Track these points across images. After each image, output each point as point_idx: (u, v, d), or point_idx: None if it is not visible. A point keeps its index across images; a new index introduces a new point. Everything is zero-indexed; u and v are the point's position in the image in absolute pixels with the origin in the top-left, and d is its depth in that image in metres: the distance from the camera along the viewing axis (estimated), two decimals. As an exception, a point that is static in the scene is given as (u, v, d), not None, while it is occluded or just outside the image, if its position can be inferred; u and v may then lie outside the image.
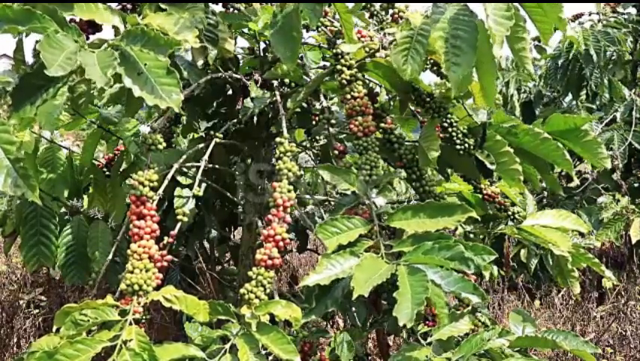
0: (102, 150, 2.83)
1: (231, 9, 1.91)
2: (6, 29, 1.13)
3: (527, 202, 1.97)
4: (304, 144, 2.32)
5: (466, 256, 1.32)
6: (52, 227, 2.06)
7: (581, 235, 3.24)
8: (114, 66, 1.13)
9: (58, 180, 2.22)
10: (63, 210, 2.22)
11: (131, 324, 1.25)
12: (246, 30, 1.95)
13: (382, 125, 1.72)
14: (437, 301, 1.34)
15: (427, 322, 1.51)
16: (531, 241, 1.88)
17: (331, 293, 1.43)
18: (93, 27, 1.43)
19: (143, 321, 1.34)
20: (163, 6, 1.41)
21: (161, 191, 1.51)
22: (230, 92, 2.12)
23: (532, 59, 1.50)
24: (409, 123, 1.91)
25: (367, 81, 1.86)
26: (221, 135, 1.78)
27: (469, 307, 1.48)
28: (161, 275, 1.38)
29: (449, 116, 1.75)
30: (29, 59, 1.49)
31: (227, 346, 1.32)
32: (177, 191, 2.04)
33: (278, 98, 1.74)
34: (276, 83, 1.85)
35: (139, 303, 1.30)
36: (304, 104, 2.02)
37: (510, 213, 1.87)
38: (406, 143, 1.75)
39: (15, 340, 3.11)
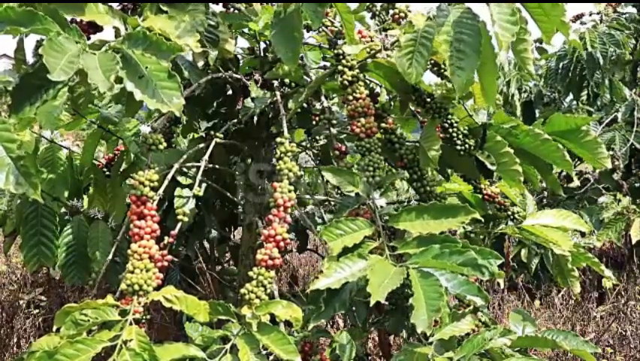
0: (102, 150, 2.83)
1: (232, 9, 1.91)
2: (8, 30, 1.13)
3: (527, 202, 1.97)
4: (304, 144, 2.32)
5: (480, 263, 1.32)
6: (53, 227, 2.05)
7: (582, 234, 3.25)
8: (116, 70, 1.13)
9: (58, 180, 2.22)
10: (63, 210, 2.22)
11: (131, 324, 1.25)
12: (246, 30, 1.95)
13: (383, 125, 1.72)
14: (443, 302, 1.34)
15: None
16: (531, 240, 1.88)
17: (340, 296, 1.43)
18: (94, 27, 1.43)
19: (143, 321, 1.34)
20: (164, 7, 1.40)
21: (161, 191, 1.51)
22: (230, 92, 2.12)
23: (533, 59, 1.50)
24: (410, 124, 1.91)
25: (368, 82, 1.86)
26: (221, 135, 1.78)
27: (470, 307, 1.48)
28: (161, 275, 1.38)
29: (450, 116, 1.75)
30: (30, 58, 1.49)
31: (228, 346, 1.32)
32: (177, 191, 2.04)
33: (278, 98, 1.74)
34: (276, 83, 1.85)
35: (139, 303, 1.30)
36: (304, 105, 2.02)
37: (510, 213, 1.87)
38: (407, 143, 1.75)
39: (15, 340, 3.11)
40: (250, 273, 1.38)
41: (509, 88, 4.95)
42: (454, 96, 1.74)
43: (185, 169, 1.95)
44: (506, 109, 4.90)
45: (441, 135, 1.74)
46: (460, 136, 1.74)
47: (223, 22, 1.70)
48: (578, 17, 4.81)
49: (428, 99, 1.76)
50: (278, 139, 1.56)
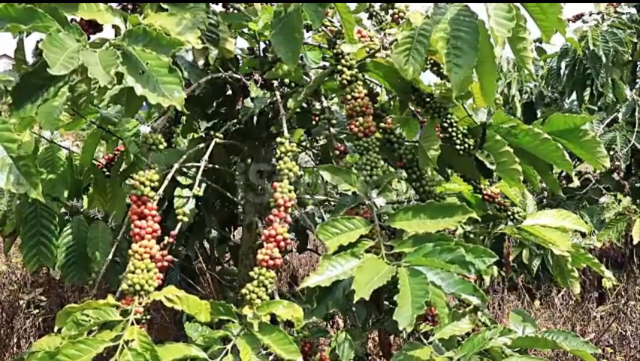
0: (102, 150, 2.83)
1: (231, 9, 1.91)
2: (8, 28, 1.13)
3: (527, 202, 1.97)
4: (304, 144, 2.32)
5: (467, 260, 1.32)
6: (52, 227, 2.05)
7: (582, 235, 3.25)
8: (117, 65, 1.13)
9: (58, 180, 2.22)
10: (63, 210, 2.22)
11: (132, 324, 1.25)
12: (245, 30, 1.95)
13: (382, 125, 1.72)
14: (437, 302, 1.34)
15: (428, 322, 1.51)
16: (531, 240, 1.88)
17: (332, 294, 1.43)
18: (94, 27, 1.43)
19: (143, 321, 1.34)
20: (164, 6, 1.40)
21: (161, 191, 1.51)
22: (230, 92, 2.12)
23: (533, 59, 1.50)
24: (411, 126, 1.91)
25: (367, 81, 1.86)
26: (221, 135, 1.78)
27: (470, 307, 1.48)
28: (162, 275, 1.38)
29: (449, 116, 1.75)
30: (30, 58, 1.49)
31: (229, 346, 1.32)
32: (177, 191, 2.04)
33: (278, 98, 1.74)
34: (276, 83, 1.85)
35: (140, 303, 1.30)
36: (304, 104, 2.02)
37: (510, 213, 1.87)
38: (406, 143, 1.75)
39: (15, 340, 3.11)
40: (251, 273, 1.38)
41: (510, 89, 4.95)
42: (452, 95, 1.74)
43: (185, 169, 1.95)
44: (507, 110, 4.90)
45: (440, 135, 1.74)
46: (460, 136, 1.74)
47: (223, 22, 1.70)
48: (578, 17, 4.81)
49: (427, 99, 1.76)
50: (278, 139, 1.56)
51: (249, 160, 2.07)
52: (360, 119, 1.62)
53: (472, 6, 1.36)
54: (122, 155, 2.26)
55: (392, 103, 2.00)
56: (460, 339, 1.44)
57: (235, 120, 1.90)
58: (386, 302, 1.61)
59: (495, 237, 2.03)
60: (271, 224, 1.43)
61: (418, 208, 1.47)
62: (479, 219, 1.62)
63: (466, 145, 1.74)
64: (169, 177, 1.59)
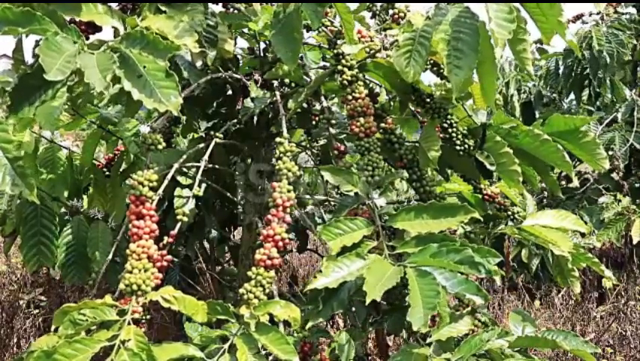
0: (102, 150, 2.83)
1: (231, 9, 1.91)
2: (6, 31, 1.13)
3: (527, 202, 1.97)
4: (304, 144, 2.32)
5: (477, 261, 1.32)
6: (52, 227, 2.06)
7: (582, 235, 3.25)
8: (113, 70, 1.14)
9: (58, 180, 2.22)
10: (63, 210, 2.22)
11: (129, 324, 1.25)
12: (245, 30, 1.95)
13: (383, 125, 1.72)
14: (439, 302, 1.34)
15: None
16: (531, 240, 1.88)
17: (338, 295, 1.43)
18: (92, 28, 1.43)
19: (143, 321, 1.33)
20: (162, 7, 1.40)
21: (160, 191, 1.51)
22: (230, 92, 2.12)
23: (533, 60, 1.50)
24: (410, 125, 1.91)
25: (368, 82, 1.86)
26: (221, 135, 1.78)
27: (469, 308, 1.48)
28: (160, 275, 1.38)
29: (449, 116, 1.75)
30: (29, 59, 1.49)
31: (227, 346, 1.32)
32: (177, 191, 2.04)
33: (278, 98, 1.74)
34: (276, 83, 1.85)
35: (138, 303, 1.30)
36: (304, 105, 2.02)
37: (510, 213, 1.87)
38: (407, 143, 1.75)
39: (15, 340, 3.11)
40: (249, 273, 1.38)
41: (508, 89, 4.95)
42: (452, 96, 1.74)
43: (185, 169, 1.95)
44: (506, 110, 4.90)
45: (440, 135, 1.74)
46: (460, 136, 1.74)
47: (222, 22, 1.70)
48: (578, 17, 4.81)
49: (428, 99, 1.76)
50: (277, 139, 1.56)
51: (249, 160, 2.07)
52: (361, 119, 1.62)
53: (473, 7, 1.36)
54: (122, 155, 2.27)
55: (392, 103, 2.00)
56: (459, 340, 1.44)
57: (235, 120, 1.90)
58: (384, 302, 1.61)
59: (495, 237, 2.03)
60: (269, 224, 1.43)
61: (419, 208, 1.47)
62: (481, 219, 1.62)
63: (466, 146, 1.74)
64: (169, 177, 1.59)
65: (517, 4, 1.35)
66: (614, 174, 4.29)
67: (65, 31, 1.18)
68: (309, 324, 1.40)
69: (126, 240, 1.50)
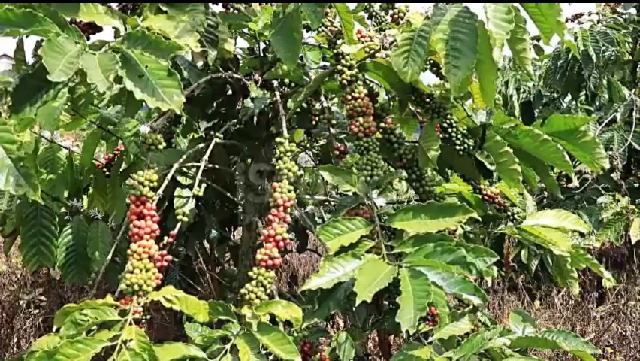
0: (102, 150, 2.83)
1: (231, 9, 1.91)
2: (8, 32, 1.13)
3: (527, 202, 1.97)
4: (304, 144, 2.32)
5: (469, 261, 1.32)
6: (52, 227, 2.05)
7: (581, 235, 3.25)
8: (116, 70, 1.14)
9: (58, 180, 2.22)
10: (63, 210, 2.22)
11: (131, 324, 1.25)
12: (246, 30, 1.95)
13: (382, 125, 1.72)
14: (438, 301, 1.34)
15: (428, 321, 1.51)
16: (531, 241, 1.88)
17: (334, 295, 1.43)
18: (93, 28, 1.43)
19: (144, 321, 1.34)
20: (163, 7, 1.41)
21: (161, 191, 1.51)
22: (230, 92, 2.12)
23: (532, 59, 1.50)
24: (409, 124, 1.91)
25: (367, 81, 1.86)
26: (221, 135, 1.78)
27: (470, 307, 1.48)
28: (161, 275, 1.38)
29: (449, 116, 1.75)
30: (30, 59, 1.49)
31: (228, 346, 1.32)
32: (177, 191, 2.04)
33: (278, 98, 1.75)
34: (276, 83, 1.85)
35: (139, 303, 1.30)
36: (304, 105, 2.03)
37: (510, 213, 1.87)
38: (406, 143, 1.75)
39: (15, 340, 3.11)
40: (250, 273, 1.38)
41: (507, 88, 4.95)
42: (451, 96, 1.74)
43: (185, 169, 1.95)
44: (505, 109, 4.90)
45: (440, 135, 1.74)
46: (460, 136, 1.74)
47: (223, 22, 1.70)
48: (577, 17, 4.81)
49: (427, 99, 1.76)
50: (277, 139, 1.56)
51: (249, 160, 2.07)
52: (361, 119, 1.62)
53: (472, 7, 1.36)
54: (122, 155, 2.27)
55: (391, 103, 2.00)
56: (460, 339, 1.44)
57: (235, 120, 1.90)
58: (385, 302, 1.61)
59: (495, 237, 2.03)
60: (270, 224, 1.43)
61: (418, 208, 1.47)
62: (480, 219, 1.63)
63: (466, 145, 1.74)
64: (169, 177, 1.59)
65: (517, 4, 1.35)
66: (613, 174, 4.29)
67: (66, 32, 1.19)
68: (304, 324, 1.40)
69: (126, 240, 1.50)
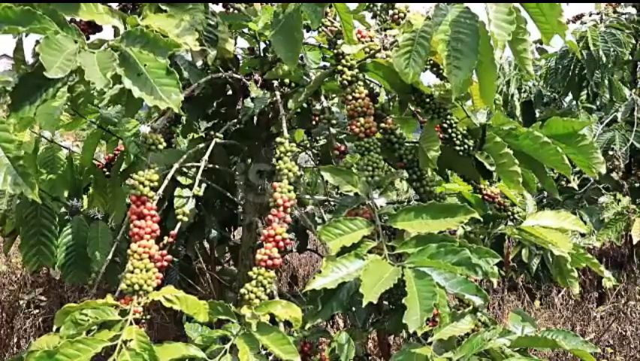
0: (102, 150, 2.83)
1: (231, 9, 1.91)
2: (6, 30, 1.13)
3: (527, 202, 1.97)
4: (304, 143, 2.32)
5: (474, 262, 1.32)
6: (52, 227, 2.05)
7: (582, 235, 3.25)
8: (114, 67, 1.13)
9: (58, 180, 2.22)
10: (63, 210, 2.22)
11: (131, 324, 1.25)
12: (246, 30, 1.95)
13: (383, 125, 1.72)
14: (439, 302, 1.34)
15: (428, 322, 1.51)
16: (531, 241, 1.88)
17: (337, 296, 1.43)
18: (93, 27, 1.43)
19: (144, 321, 1.33)
20: (163, 7, 1.40)
21: (161, 191, 1.51)
22: (230, 92, 2.12)
23: (532, 60, 1.50)
24: (409, 124, 1.91)
25: (368, 82, 1.86)
26: (221, 135, 1.78)
27: (470, 307, 1.48)
28: (161, 275, 1.38)
29: (449, 117, 1.75)
30: (29, 58, 1.49)
31: (228, 346, 1.32)
32: (177, 191, 2.04)
33: (278, 98, 1.74)
34: (276, 83, 1.85)
35: (139, 303, 1.30)
36: (304, 104, 2.02)
37: (510, 213, 1.87)
38: (407, 143, 1.75)
39: (15, 340, 3.11)
40: (250, 273, 1.38)
41: (509, 88, 4.95)
42: (451, 96, 1.74)
43: (185, 169, 1.95)
44: (506, 109, 4.90)
45: (440, 136, 1.74)
46: (460, 137, 1.74)
47: (223, 22, 1.70)
48: (578, 17, 4.81)
49: (427, 99, 1.75)
50: (277, 139, 1.56)
51: (249, 160, 2.07)
52: (361, 119, 1.62)
53: (473, 7, 1.36)
54: (122, 155, 2.27)
55: (392, 103, 2.00)
56: (460, 340, 1.44)
57: (235, 120, 1.90)
58: (386, 302, 1.61)
59: (495, 237, 2.03)
60: (270, 224, 1.43)
61: (419, 209, 1.47)
62: (481, 220, 1.62)
63: (466, 146, 1.74)
64: (169, 177, 1.59)
65: (518, 5, 1.35)
66: (613, 174, 4.29)
67: (66, 31, 1.18)
68: (307, 325, 1.40)
69: (126, 240, 1.50)
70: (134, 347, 1.18)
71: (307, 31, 1.87)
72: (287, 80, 1.88)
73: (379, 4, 1.95)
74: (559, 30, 1.39)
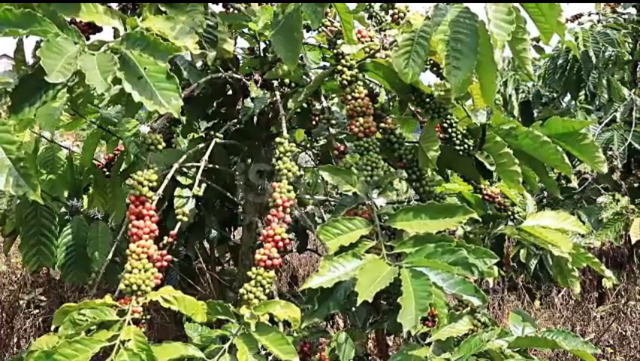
0: (102, 150, 2.83)
1: (231, 9, 1.91)
2: (7, 32, 1.13)
3: (527, 202, 1.97)
4: (304, 144, 2.32)
5: (470, 262, 1.32)
6: (52, 227, 2.05)
7: (582, 235, 3.25)
8: (114, 71, 1.13)
9: (58, 180, 2.22)
10: (63, 210, 2.22)
11: (129, 324, 1.25)
12: (246, 30, 1.95)
13: (382, 125, 1.72)
14: (437, 302, 1.34)
15: (427, 322, 1.51)
16: (530, 241, 1.88)
17: (334, 295, 1.43)
18: (93, 28, 1.43)
19: (143, 321, 1.34)
20: (162, 8, 1.40)
21: (160, 191, 1.51)
22: (230, 92, 2.12)
23: (532, 59, 1.50)
24: (409, 124, 1.91)
25: (367, 81, 1.86)
26: (221, 135, 1.78)
27: (469, 308, 1.48)
28: (160, 275, 1.38)
29: (449, 116, 1.75)
30: (29, 59, 1.49)
31: (227, 346, 1.32)
32: (177, 191, 2.04)
33: (278, 98, 1.75)
34: (276, 83, 1.85)
35: (138, 303, 1.30)
36: (304, 105, 2.03)
37: (510, 213, 1.87)
38: (406, 143, 1.75)
39: (15, 340, 3.11)
40: (249, 273, 1.38)
41: (506, 88, 4.95)
42: (451, 96, 1.74)
43: (185, 169, 1.95)
44: (505, 109, 4.90)
45: (440, 135, 1.74)
46: (460, 136, 1.74)
47: (222, 22, 1.70)
48: (577, 17, 4.81)
49: (427, 99, 1.75)
50: (277, 139, 1.56)
51: (249, 160, 2.07)
52: (361, 119, 1.62)
53: (473, 7, 1.36)
54: (122, 155, 2.27)
55: (392, 103, 2.00)
56: (459, 340, 1.44)
57: (235, 120, 1.90)
58: (384, 302, 1.61)
59: (495, 237, 2.03)
60: (270, 224, 1.43)
61: (418, 209, 1.47)
62: (480, 220, 1.62)
63: (466, 146, 1.74)
64: (169, 177, 1.59)
65: (517, 4, 1.35)
66: (612, 174, 4.29)
67: (66, 32, 1.18)
68: (304, 324, 1.40)
69: (126, 240, 1.50)
70: (131, 348, 1.18)
71: (307, 31, 1.87)
72: (287, 80, 1.88)
73: (377, 5, 1.95)
74: (558, 30, 1.39)
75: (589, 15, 4.73)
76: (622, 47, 4.38)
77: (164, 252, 1.43)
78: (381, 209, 1.52)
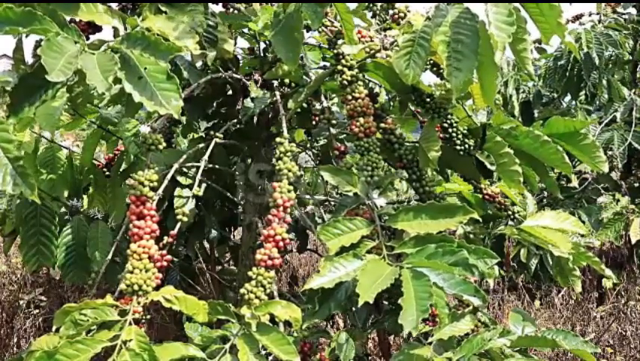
0: (102, 150, 2.83)
1: (231, 9, 1.91)
2: (7, 31, 1.13)
3: (527, 202, 1.97)
4: (304, 144, 2.32)
5: (471, 263, 1.32)
6: (52, 227, 2.05)
7: (582, 234, 3.25)
8: (115, 71, 1.13)
9: (58, 180, 2.22)
10: (63, 210, 2.22)
11: (130, 324, 1.25)
12: (246, 30, 1.95)
13: (382, 125, 1.72)
14: (438, 302, 1.34)
15: (428, 322, 1.51)
16: (530, 241, 1.88)
17: (334, 296, 1.43)
18: (93, 27, 1.43)
19: (144, 321, 1.33)
20: (163, 7, 1.40)
21: (160, 191, 1.51)
22: (230, 92, 2.12)
23: (532, 60, 1.50)
24: (409, 124, 1.91)
25: (367, 81, 1.86)
26: (221, 135, 1.78)
27: (470, 308, 1.48)
28: (160, 275, 1.38)
29: (449, 116, 1.75)
30: (29, 58, 1.49)
31: (227, 346, 1.32)
32: (177, 191, 2.04)
33: (278, 98, 1.74)
34: (276, 83, 1.85)
35: (139, 303, 1.30)
36: (304, 105, 2.03)
37: (510, 213, 1.87)
38: (407, 143, 1.75)
39: (15, 340, 3.11)
40: (249, 273, 1.38)
41: (507, 88, 4.95)
42: (452, 96, 1.74)
43: (185, 169, 1.95)
44: (506, 109, 4.90)
45: (440, 135, 1.74)
46: (460, 136, 1.74)
47: (222, 22, 1.70)
48: (578, 17, 4.81)
49: (428, 99, 1.75)
50: (277, 139, 1.56)
51: (249, 160, 2.07)
52: (361, 119, 1.62)
53: (473, 7, 1.36)
54: (122, 155, 2.27)
55: (392, 103, 2.00)
56: (460, 340, 1.44)
57: (235, 120, 1.90)
58: (385, 302, 1.61)
59: (495, 236, 2.03)
60: (270, 224, 1.43)
61: (419, 209, 1.47)
62: (480, 220, 1.62)
63: (466, 146, 1.74)
64: (169, 177, 1.59)
65: (517, 4, 1.35)
66: (612, 174, 4.29)
67: (66, 31, 1.18)
68: (305, 325, 1.40)
69: (126, 240, 1.50)
70: (133, 348, 1.18)
71: (307, 31, 1.87)
72: (287, 80, 1.88)
73: (379, 4, 1.95)
74: (558, 31, 1.39)
75: (589, 15, 4.73)
76: (623, 48, 4.38)
77: (164, 252, 1.43)
78: (381, 209, 1.52)
